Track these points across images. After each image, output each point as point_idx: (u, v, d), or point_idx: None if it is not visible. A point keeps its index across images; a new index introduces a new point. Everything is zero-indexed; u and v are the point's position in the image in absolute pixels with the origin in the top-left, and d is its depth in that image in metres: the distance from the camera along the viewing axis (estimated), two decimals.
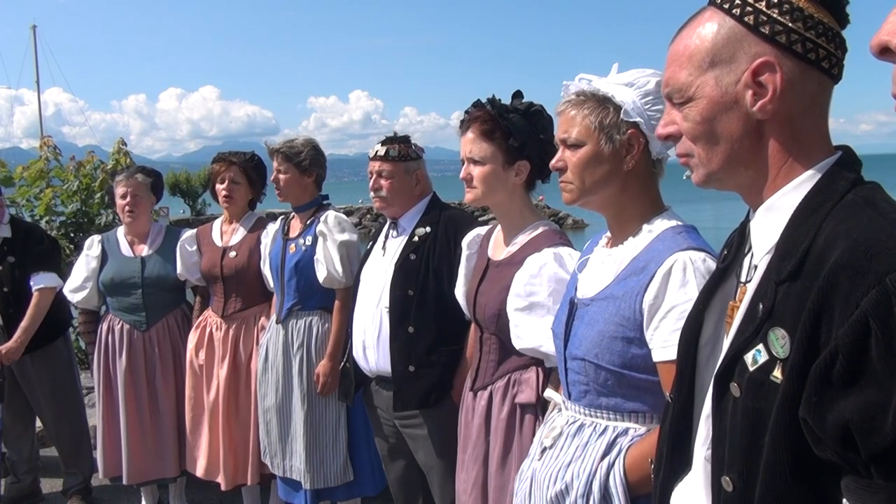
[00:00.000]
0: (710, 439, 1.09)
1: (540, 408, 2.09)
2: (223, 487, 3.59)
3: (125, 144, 6.31)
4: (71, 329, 4.32)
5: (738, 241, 1.19)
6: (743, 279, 1.12)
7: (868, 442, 0.83)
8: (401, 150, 2.84)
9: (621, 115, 1.62)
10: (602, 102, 1.65)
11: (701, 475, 1.14)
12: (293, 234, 3.35)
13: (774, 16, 1.03)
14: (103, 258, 3.75)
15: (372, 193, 2.86)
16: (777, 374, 0.94)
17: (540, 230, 2.20)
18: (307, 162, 3.28)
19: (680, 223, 1.62)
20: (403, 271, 2.69)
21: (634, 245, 1.63)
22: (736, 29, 1.05)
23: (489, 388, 2.22)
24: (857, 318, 0.84)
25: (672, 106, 1.15)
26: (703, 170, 1.12)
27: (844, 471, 0.89)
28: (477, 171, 2.20)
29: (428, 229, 2.74)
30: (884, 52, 0.83)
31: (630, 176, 1.65)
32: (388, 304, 2.70)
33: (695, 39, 1.09)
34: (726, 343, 1.10)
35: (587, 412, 1.65)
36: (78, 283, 3.75)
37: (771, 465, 0.94)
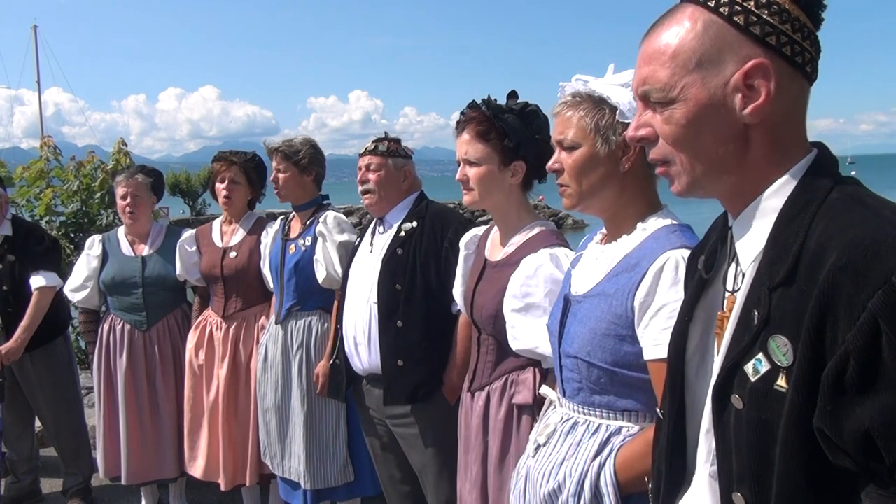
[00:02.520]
0: (714, 454, 1.06)
1: (537, 408, 2.09)
2: (223, 488, 3.59)
3: (125, 144, 6.32)
4: (70, 329, 4.33)
5: (720, 249, 1.15)
6: (730, 288, 1.08)
7: (892, 448, 0.80)
8: (390, 146, 2.87)
9: (617, 116, 1.62)
10: (598, 104, 1.65)
11: (707, 492, 1.10)
12: (293, 234, 3.35)
13: (764, 16, 1.00)
14: (104, 258, 3.76)
15: (360, 187, 2.88)
16: (782, 383, 0.91)
17: (536, 231, 2.20)
18: (306, 161, 3.28)
19: (675, 222, 1.62)
20: (391, 266, 2.70)
21: (628, 242, 1.62)
22: (724, 29, 1.01)
23: (486, 389, 2.22)
24: (866, 321, 0.81)
25: (646, 106, 1.09)
26: (686, 178, 1.08)
27: (865, 479, 0.85)
28: (473, 171, 2.20)
29: (414, 224, 2.75)
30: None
31: (627, 177, 1.65)
32: (376, 300, 2.71)
33: (677, 38, 1.04)
34: (719, 354, 1.07)
35: (581, 410, 1.65)
36: (79, 283, 3.76)
37: (785, 477, 0.91)
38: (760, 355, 0.95)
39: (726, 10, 1.01)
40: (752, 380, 0.95)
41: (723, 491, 1.03)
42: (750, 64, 1.00)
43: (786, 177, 1.02)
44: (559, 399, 1.74)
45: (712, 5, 1.03)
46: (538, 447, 1.72)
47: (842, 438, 0.84)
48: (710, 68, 1.02)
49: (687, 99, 1.03)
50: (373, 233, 2.92)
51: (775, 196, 1.02)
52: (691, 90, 1.03)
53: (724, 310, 1.09)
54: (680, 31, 1.05)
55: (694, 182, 1.08)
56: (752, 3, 1.01)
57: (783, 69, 1.01)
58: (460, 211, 3.11)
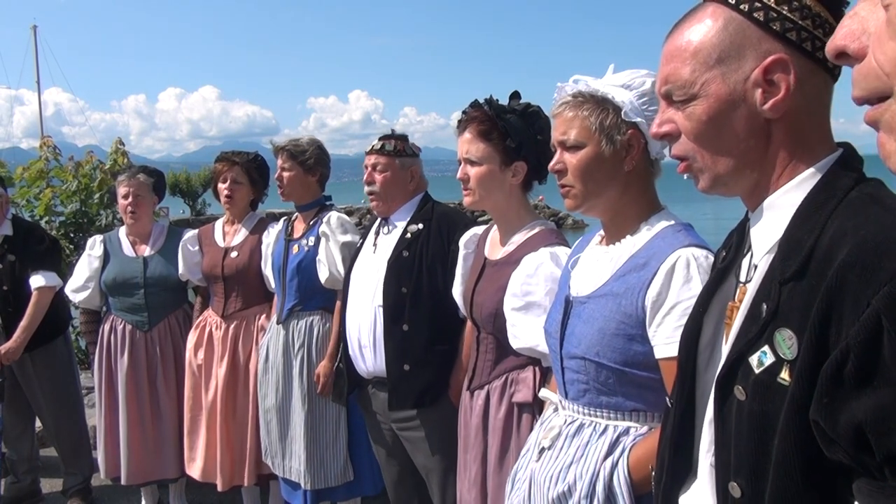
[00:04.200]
0: (714, 444, 1.07)
1: (537, 407, 2.09)
2: (220, 488, 3.58)
3: (123, 144, 6.32)
4: (71, 329, 4.33)
5: (738, 242, 1.16)
6: (742, 279, 1.09)
7: (882, 443, 0.80)
8: (397, 146, 2.83)
9: (622, 116, 1.61)
10: (601, 103, 1.64)
11: (707, 482, 1.11)
12: (296, 234, 3.35)
13: (785, 13, 1.01)
14: (105, 258, 3.76)
15: (366, 188, 2.85)
16: (785, 376, 0.92)
17: (537, 230, 2.20)
18: (312, 161, 3.28)
19: (678, 222, 1.62)
20: (396, 268, 2.68)
21: (633, 242, 1.62)
22: (745, 25, 1.03)
23: (486, 388, 2.22)
24: (869, 317, 0.81)
25: (669, 104, 1.11)
26: (708, 174, 1.09)
27: (857, 473, 0.86)
28: (474, 171, 2.20)
29: (420, 226, 2.73)
30: (840, 56, 0.82)
31: (630, 177, 1.64)
32: (381, 302, 2.69)
33: (697, 35, 1.06)
34: (726, 345, 1.08)
35: (586, 411, 1.64)
36: (80, 283, 3.76)
37: (781, 469, 0.92)
38: (766, 348, 0.95)
39: (746, 6, 1.03)
40: (756, 372, 0.96)
41: (719, 480, 1.04)
42: (769, 59, 1.01)
43: (807, 173, 1.02)
44: (561, 401, 1.74)
45: (733, 3, 1.04)
46: (542, 451, 1.70)
47: (836, 431, 0.85)
48: (730, 64, 1.03)
49: (707, 95, 1.05)
50: (376, 233, 2.89)
51: (795, 191, 1.02)
52: (712, 86, 1.05)
53: (735, 300, 1.10)
54: (701, 29, 1.06)
55: (716, 178, 1.09)
56: (772, 0, 1.02)
57: (804, 65, 1.01)
58: (463, 211, 3.08)
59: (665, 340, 1.48)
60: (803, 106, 1.02)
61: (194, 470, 3.64)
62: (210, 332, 3.59)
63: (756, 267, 1.06)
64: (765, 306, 0.97)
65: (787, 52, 1.01)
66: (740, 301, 1.07)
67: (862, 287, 0.83)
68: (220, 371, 3.55)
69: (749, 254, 1.10)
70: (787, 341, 0.92)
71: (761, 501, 0.95)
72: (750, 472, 0.97)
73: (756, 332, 0.97)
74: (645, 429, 1.57)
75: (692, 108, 1.07)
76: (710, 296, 1.18)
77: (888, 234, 0.86)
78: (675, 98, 1.09)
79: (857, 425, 0.82)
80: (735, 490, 1.00)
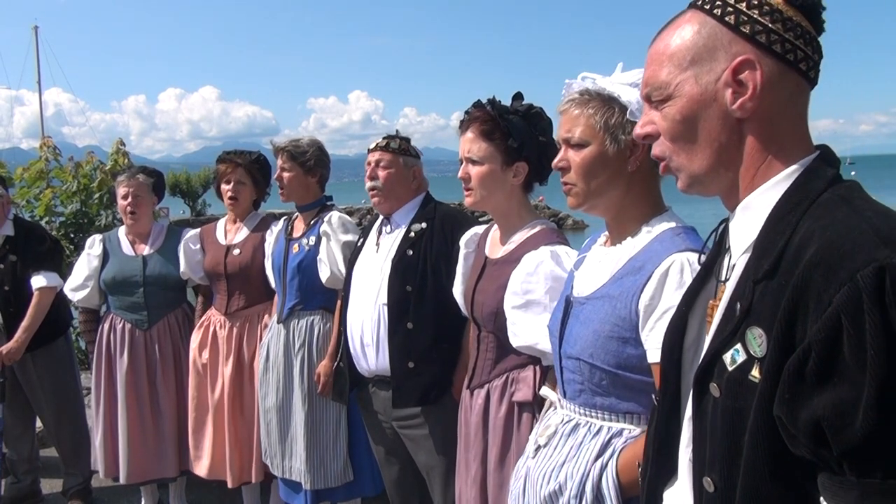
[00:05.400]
0: (691, 440, 1.10)
1: (537, 406, 2.09)
2: (230, 485, 3.59)
3: (123, 144, 6.31)
4: (72, 329, 4.33)
5: (718, 241, 1.19)
6: (722, 278, 1.13)
7: (839, 438, 0.83)
8: (401, 145, 2.85)
9: (627, 115, 1.61)
10: (607, 102, 1.64)
11: (686, 477, 1.14)
12: (296, 234, 3.35)
13: (755, 16, 1.04)
14: (105, 257, 3.77)
15: (368, 183, 2.84)
16: (755, 373, 0.95)
17: (537, 229, 2.21)
18: (312, 162, 3.29)
19: (679, 224, 1.61)
20: (401, 267, 2.69)
21: (632, 245, 1.62)
22: (717, 29, 1.06)
23: (486, 387, 2.23)
24: (830, 316, 0.84)
25: (651, 106, 1.15)
26: (684, 173, 1.12)
27: (819, 468, 0.89)
28: (475, 170, 2.20)
29: (424, 225, 2.73)
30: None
31: (634, 177, 1.64)
32: (385, 301, 2.70)
33: (675, 39, 1.10)
34: (706, 343, 1.10)
35: (582, 411, 1.65)
36: (79, 282, 3.76)
37: (750, 464, 0.95)
38: (738, 346, 0.98)
39: (719, 11, 1.07)
40: (730, 369, 0.99)
41: (695, 475, 1.07)
42: (738, 59, 1.04)
43: (783, 174, 1.05)
44: (560, 400, 1.74)
45: (707, 8, 1.08)
46: (538, 448, 1.71)
47: (796, 426, 0.88)
48: (703, 66, 1.07)
49: (681, 95, 1.09)
50: (378, 232, 2.89)
51: (770, 192, 1.05)
52: (685, 87, 1.08)
53: (716, 299, 1.13)
54: (678, 34, 1.10)
55: (692, 177, 1.12)
56: (743, 4, 1.05)
57: (774, 66, 1.04)
58: (465, 211, 3.09)
59: (657, 345, 1.47)
60: (775, 107, 1.05)
61: (200, 468, 3.65)
62: (214, 332, 3.60)
63: (734, 267, 1.08)
64: (739, 305, 1.00)
65: (756, 53, 1.04)
66: (720, 300, 1.10)
67: (825, 286, 0.86)
68: (226, 370, 3.56)
69: (728, 253, 1.13)
70: (757, 339, 0.95)
71: (733, 496, 0.98)
72: (723, 468, 1.00)
73: (730, 331, 1.00)
74: (638, 431, 1.58)
75: (667, 109, 1.10)
76: (695, 294, 1.20)
77: (852, 235, 0.88)
78: (654, 99, 1.13)
79: (815, 421, 0.85)
80: (709, 485, 1.03)
